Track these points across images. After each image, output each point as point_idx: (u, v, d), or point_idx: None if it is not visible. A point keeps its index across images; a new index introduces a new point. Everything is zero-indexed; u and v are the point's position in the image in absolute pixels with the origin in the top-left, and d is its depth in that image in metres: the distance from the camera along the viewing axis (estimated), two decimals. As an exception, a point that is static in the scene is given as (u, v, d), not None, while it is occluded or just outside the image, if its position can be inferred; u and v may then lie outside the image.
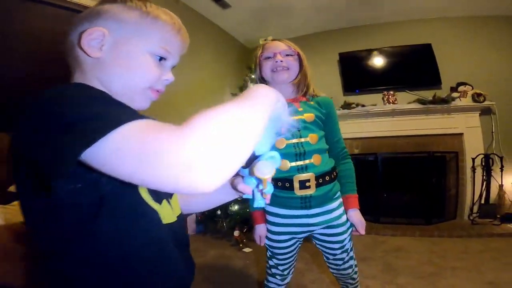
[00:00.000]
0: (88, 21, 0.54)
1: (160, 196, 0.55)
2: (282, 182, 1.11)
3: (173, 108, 3.32)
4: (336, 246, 1.19)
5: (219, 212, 2.89)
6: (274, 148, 0.58)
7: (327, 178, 1.14)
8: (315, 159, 1.12)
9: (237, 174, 0.65)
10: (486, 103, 3.41)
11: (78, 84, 0.51)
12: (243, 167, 0.59)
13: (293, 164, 1.11)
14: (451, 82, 3.62)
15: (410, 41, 3.82)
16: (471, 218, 3.32)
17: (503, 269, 2.03)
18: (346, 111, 3.75)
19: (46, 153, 0.38)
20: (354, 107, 3.75)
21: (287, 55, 1.19)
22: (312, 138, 1.14)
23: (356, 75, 3.99)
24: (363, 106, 3.75)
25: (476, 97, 3.43)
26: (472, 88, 3.50)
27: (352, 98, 3.89)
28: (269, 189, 0.60)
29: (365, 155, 3.74)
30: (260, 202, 0.61)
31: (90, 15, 0.54)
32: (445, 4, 3.57)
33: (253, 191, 0.63)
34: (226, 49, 4.21)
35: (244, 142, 0.38)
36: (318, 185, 1.12)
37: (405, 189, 3.63)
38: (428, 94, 3.59)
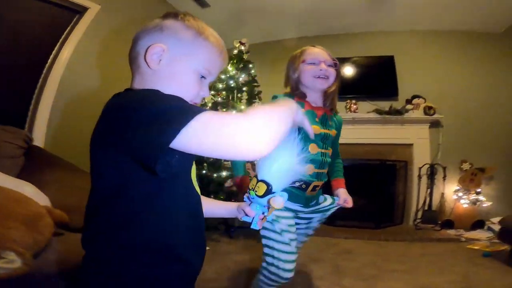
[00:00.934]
0: (152, 36, 0.63)
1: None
2: (301, 183, 1.22)
3: None
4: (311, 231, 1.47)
5: None
6: (307, 152, 0.68)
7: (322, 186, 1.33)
8: (326, 170, 1.31)
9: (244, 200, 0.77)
10: (436, 116, 3.62)
11: (152, 89, 0.58)
12: (259, 196, 0.69)
13: (316, 170, 1.24)
14: (407, 95, 3.79)
15: (375, 52, 3.95)
16: (415, 223, 3.55)
17: (437, 273, 2.17)
18: None
19: (145, 138, 0.47)
20: None
21: (329, 65, 1.27)
22: (330, 152, 1.30)
23: None
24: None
25: (427, 110, 3.62)
26: (425, 101, 3.69)
27: None
28: (270, 217, 0.75)
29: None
30: (256, 225, 0.74)
31: (154, 30, 0.63)
32: (411, 17, 3.71)
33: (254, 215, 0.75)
34: None
35: (282, 130, 0.52)
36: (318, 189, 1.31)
37: (360, 194, 3.80)
38: (386, 105, 3.76)
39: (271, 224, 1.27)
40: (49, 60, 2.47)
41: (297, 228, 1.35)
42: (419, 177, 3.65)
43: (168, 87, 0.59)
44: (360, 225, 3.47)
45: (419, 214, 3.62)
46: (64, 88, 2.49)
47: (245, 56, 3.18)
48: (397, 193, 3.80)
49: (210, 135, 0.47)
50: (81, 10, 2.63)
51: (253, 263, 2.37)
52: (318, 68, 1.24)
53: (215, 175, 2.79)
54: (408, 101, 3.77)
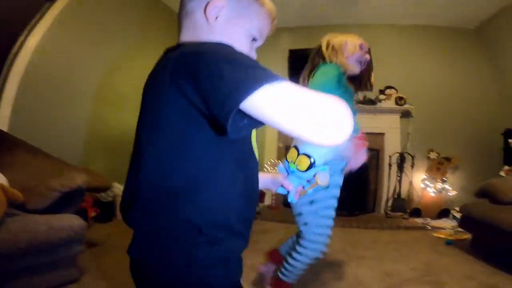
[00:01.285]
0: None
1: None
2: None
3: (118, 86, 3.20)
4: None
5: None
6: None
7: None
8: None
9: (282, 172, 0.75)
10: (406, 106, 3.72)
11: (227, 44, 0.54)
12: (302, 171, 0.68)
13: None
14: (381, 85, 3.87)
15: None
16: (386, 211, 3.65)
17: (402, 260, 2.24)
18: None
19: (222, 90, 0.43)
20: None
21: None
22: None
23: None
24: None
25: (398, 101, 3.71)
26: (397, 92, 3.79)
27: None
28: (310, 191, 0.72)
29: (299, 150, 3.91)
30: (293, 198, 0.72)
31: None
32: (388, 11, 3.76)
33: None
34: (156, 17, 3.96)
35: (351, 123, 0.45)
36: None
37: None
38: (360, 95, 3.76)
39: (326, 200, 1.38)
40: (16, 46, 2.42)
41: None
42: (390, 165, 3.74)
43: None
44: (336, 213, 3.52)
45: (390, 203, 3.72)
46: (31, 75, 2.43)
47: None
48: (369, 181, 3.89)
49: (291, 106, 0.43)
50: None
51: None
52: (364, 55, 1.45)
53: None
54: (381, 92, 3.85)
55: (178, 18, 0.67)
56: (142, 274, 0.60)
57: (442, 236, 2.84)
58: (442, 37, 3.95)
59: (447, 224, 3.15)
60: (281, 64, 4.14)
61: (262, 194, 3.22)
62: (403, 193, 3.73)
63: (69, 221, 1.56)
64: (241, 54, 0.50)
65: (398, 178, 3.72)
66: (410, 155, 3.71)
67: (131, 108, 3.39)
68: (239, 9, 0.63)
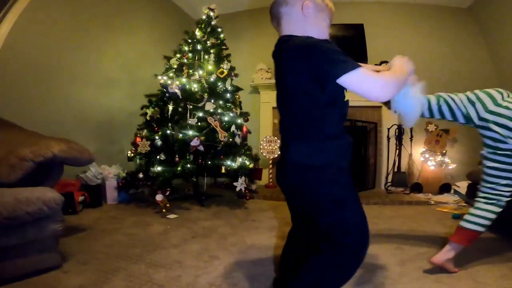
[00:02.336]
0: None
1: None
2: None
3: (104, 69, 3.06)
4: None
5: (141, 175, 2.59)
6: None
7: None
8: None
9: None
10: (403, 80, 3.60)
11: (321, 40, 0.93)
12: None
13: None
14: (376, 60, 3.71)
15: (345, 20, 3.88)
16: (386, 187, 3.56)
17: (409, 234, 2.15)
18: None
19: (330, 69, 0.83)
20: None
21: None
22: None
23: None
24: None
25: (395, 74, 3.59)
26: (392, 66, 3.66)
27: None
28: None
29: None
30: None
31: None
32: None
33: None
34: (165, 15, 4.01)
35: (400, 85, 0.91)
36: None
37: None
38: None
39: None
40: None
41: None
42: (388, 138, 3.64)
43: (312, 28, 0.97)
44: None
45: (390, 178, 3.63)
46: (8, 57, 2.24)
47: (213, 22, 3.10)
48: (368, 156, 3.78)
49: (364, 83, 0.81)
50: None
51: (224, 227, 2.27)
52: None
53: (180, 134, 2.55)
54: (377, 66, 3.70)
55: (275, 16, 1.04)
56: (296, 191, 0.98)
57: (447, 210, 2.77)
58: (436, 16, 3.93)
59: (450, 199, 3.08)
60: (275, 41, 3.94)
61: (259, 172, 3.05)
62: (403, 167, 3.65)
63: (40, 193, 1.31)
64: (332, 45, 0.87)
65: (397, 151, 3.61)
66: (409, 128, 3.60)
67: (119, 91, 3.25)
68: (319, 7, 0.99)
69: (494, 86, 3.53)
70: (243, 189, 2.66)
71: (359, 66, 0.80)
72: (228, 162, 2.62)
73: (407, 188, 3.46)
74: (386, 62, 3.60)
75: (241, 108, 3.10)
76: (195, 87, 2.66)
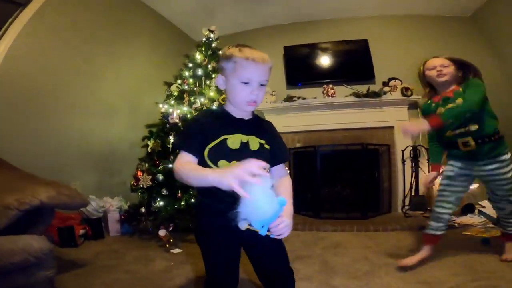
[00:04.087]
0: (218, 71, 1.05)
1: (215, 159, 0.94)
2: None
3: (105, 96, 3.00)
4: None
5: (143, 209, 2.47)
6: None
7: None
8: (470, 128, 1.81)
9: None
10: (413, 97, 3.45)
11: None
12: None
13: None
14: (384, 77, 3.65)
15: (349, 36, 3.83)
16: (404, 211, 3.30)
17: (436, 265, 1.91)
18: (288, 104, 3.65)
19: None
20: (295, 100, 3.64)
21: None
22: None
23: (299, 69, 3.91)
24: (304, 99, 3.64)
25: (405, 91, 3.46)
26: (401, 83, 3.53)
27: (294, 92, 3.80)
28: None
29: (305, 148, 3.61)
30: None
31: (219, 68, 1.05)
32: (381, 2, 3.67)
33: None
34: (165, 37, 3.92)
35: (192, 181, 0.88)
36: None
37: (343, 183, 3.56)
38: (363, 89, 3.58)
39: None
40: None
41: None
42: (403, 160, 3.42)
43: (231, 97, 1.01)
44: (347, 216, 3.20)
45: (407, 201, 3.38)
46: (2, 83, 2.19)
47: (214, 44, 3.01)
48: (382, 179, 3.56)
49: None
50: (23, 2, 2.31)
51: None
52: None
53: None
54: (385, 83, 3.63)
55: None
56: None
57: (474, 234, 2.50)
58: (440, 26, 3.85)
59: (475, 220, 2.81)
60: (277, 61, 3.89)
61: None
62: (421, 190, 3.39)
63: (25, 243, 1.26)
64: (193, 121, 1.08)
65: (414, 173, 3.37)
66: (424, 148, 3.37)
67: (120, 120, 3.07)
68: (228, 73, 0.96)
69: (502, 92, 3.44)
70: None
71: (184, 146, 0.95)
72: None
73: (426, 211, 3.19)
74: (394, 78, 3.54)
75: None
76: (197, 116, 2.56)
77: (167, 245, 2.30)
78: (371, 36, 3.77)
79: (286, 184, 1.00)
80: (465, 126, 1.73)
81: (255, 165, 0.71)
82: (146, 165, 2.55)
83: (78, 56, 2.69)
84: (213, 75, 2.85)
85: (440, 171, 2.02)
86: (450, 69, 1.78)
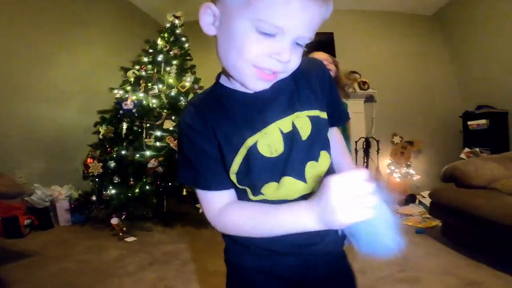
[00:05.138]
0: None
1: (256, 187, 0.53)
2: None
3: (56, 81, 2.76)
4: None
5: (94, 197, 2.37)
6: None
7: None
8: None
9: None
10: (370, 91, 3.58)
11: None
12: None
13: None
14: (345, 70, 3.69)
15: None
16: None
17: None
18: None
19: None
20: None
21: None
22: None
23: None
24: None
25: (362, 85, 3.56)
26: (360, 77, 3.63)
27: None
28: None
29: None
30: None
31: None
32: None
33: None
34: (129, 22, 3.68)
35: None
36: None
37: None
38: None
39: None
40: None
41: None
42: (356, 151, 3.59)
43: None
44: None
45: (358, 189, 3.56)
46: None
47: (178, 30, 2.89)
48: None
49: None
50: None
51: (186, 252, 2.08)
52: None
53: (137, 155, 2.33)
54: (345, 76, 3.66)
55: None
56: None
57: (411, 224, 2.71)
58: (403, 23, 3.94)
59: (415, 210, 3.04)
60: None
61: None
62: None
63: None
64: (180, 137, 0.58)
65: (365, 163, 3.56)
66: (375, 140, 3.56)
67: (72, 106, 2.86)
68: (230, 5, 0.47)
69: (457, 91, 3.69)
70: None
71: (198, 184, 0.54)
72: (192, 183, 2.43)
73: (374, 200, 3.40)
74: (354, 72, 3.63)
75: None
76: (153, 102, 2.47)
77: (121, 234, 2.25)
78: (337, 29, 3.79)
79: (343, 146, 0.66)
80: None
81: (362, 178, 0.39)
82: (98, 152, 2.44)
83: (23, 40, 2.47)
84: (174, 62, 2.76)
85: None
86: (333, 68, 1.76)
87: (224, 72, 0.55)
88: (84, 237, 2.28)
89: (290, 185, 0.52)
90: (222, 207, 0.52)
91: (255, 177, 0.51)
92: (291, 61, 0.47)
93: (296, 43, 0.47)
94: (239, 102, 0.52)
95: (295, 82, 0.54)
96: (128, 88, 2.54)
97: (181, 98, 2.63)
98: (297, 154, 0.51)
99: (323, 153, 0.54)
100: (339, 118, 0.63)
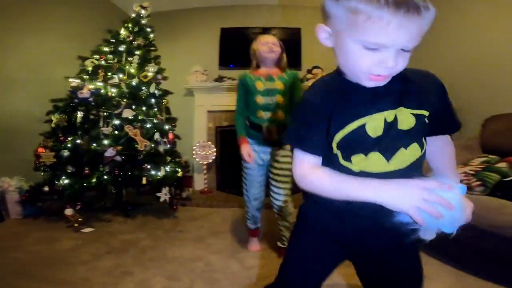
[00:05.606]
0: None
1: (348, 154, 0.66)
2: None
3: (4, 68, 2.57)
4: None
5: (46, 188, 2.26)
6: None
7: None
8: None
9: None
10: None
11: None
12: None
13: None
14: (309, 65, 3.79)
15: (285, 24, 3.85)
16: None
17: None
18: (218, 83, 3.61)
19: None
20: (225, 81, 3.64)
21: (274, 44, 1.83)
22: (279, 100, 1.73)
23: (233, 51, 3.84)
24: (234, 80, 3.62)
25: (323, 80, 3.66)
26: (322, 71, 3.72)
27: (226, 73, 3.75)
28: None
29: (230, 127, 3.65)
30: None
31: (323, 14, 0.69)
32: None
33: None
34: (89, 7, 3.45)
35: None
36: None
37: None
38: None
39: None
40: None
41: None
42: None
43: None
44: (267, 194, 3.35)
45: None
46: None
47: (144, 21, 2.84)
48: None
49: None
50: None
51: (146, 240, 2.07)
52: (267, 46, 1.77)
53: (94, 144, 2.25)
54: (309, 71, 3.78)
55: None
56: None
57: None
58: None
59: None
60: (213, 41, 3.78)
61: (189, 180, 2.89)
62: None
63: None
64: (305, 103, 0.70)
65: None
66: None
67: (23, 94, 2.66)
68: (340, 25, 0.61)
69: None
70: (167, 200, 2.46)
71: (302, 144, 0.68)
72: (152, 172, 2.40)
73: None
74: (317, 67, 3.72)
75: (169, 114, 2.87)
76: (112, 91, 2.39)
77: (76, 225, 2.18)
78: (305, 25, 3.85)
79: (450, 154, 0.74)
80: (274, 112, 1.71)
81: (437, 187, 0.55)
82: (51, 141, 2.33)
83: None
84: (137, 52, 2.69)
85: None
86: (278, 50, 1.80)
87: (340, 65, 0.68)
88: (37, 229, 2.19)
89: (375, 160, 0.64)
90: (311, 169, 0.66)
91: (351, 148, 0.65)
92: (397, 65, 0.58)
93: (401, 50, 0.57)
94: (359, 92, 0.64)
95: (407, 85, 0.65)
96: (86, 77, 2.43)
97: (143, 87, 2.57)
98: (390, 139, 0.63)
99: (414, 145, 0.65)
100: (449, 125, 0.71)
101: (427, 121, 0.65)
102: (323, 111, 0.65)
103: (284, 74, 1.77)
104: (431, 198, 0.54)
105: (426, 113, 0.65)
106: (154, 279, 1.55)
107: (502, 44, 2.39)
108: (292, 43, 3.80)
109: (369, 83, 0.62)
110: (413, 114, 0.64)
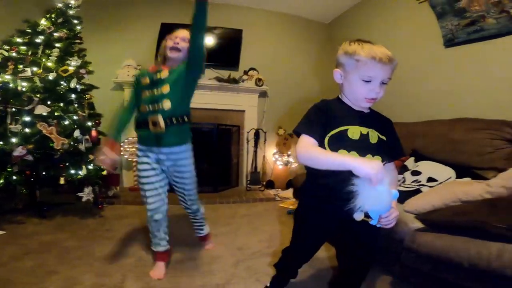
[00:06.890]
0: None
1: (335, 147, 0.95)
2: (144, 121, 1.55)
3: None
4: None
5: None
6: None
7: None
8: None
9: None
10: (264, 87, 3.81)
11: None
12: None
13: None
14: (246, 66, 3.87)
15: (227, 24, 3.81)
16: (246, 185, 3.72)
17: (252, 233, 2.23)
18: None
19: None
20: None
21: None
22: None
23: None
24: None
25: (258, 82, 3.77)
26: (258, 73, 3.83)
27: None
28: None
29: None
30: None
31: (337, 63, 1.06)
32: None
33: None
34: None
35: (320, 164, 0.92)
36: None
37: (198, 159, 3.68)
38: (226, 74, 3.73)
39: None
40: None
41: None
42: (247, 140, 3.81)
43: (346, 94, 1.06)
44: (200, 189, 3.34)
45: (249, 176, 3.81)
46: None
47: (71, 12, 2.60)
48: (232, 156, 3.88)
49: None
50: None
51: (69, 241, 1.94)
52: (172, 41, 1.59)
53: (0, 143, 2.01)
54: (245, 72, 3.86)
55: None
56: None
57: (285, 206, 3.04)
58: (303, 28, 4.20)
59: (291, 193, 3.40)
60: (153, 36, 3.55)
61: (115, 178, 2.75)
62: (259, 167, 3.88)
63: None
64: (312, 109, 1.03)
65: (254, 152, 3.82)
66: (263, 131, 3.86)
67: None
68: (348, 68, 0.98)
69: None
70: (91, 199, 2.32)
71: (307, 131, 0.95)
72: (71, 171, 2.23)
73: (262, 186, 3.71)
74: (253, 69, 3.78)
75: (93, 109, 2.67)
76: (23, 86, 2.15)
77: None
78: (246, 26, 3.87)
79: (394, 176, 1.06)
80: (159, 101, 1.47)
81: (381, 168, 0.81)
82: None
83: None
84: (58, 44, 2.45)
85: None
86: (185, 46, 1.56)
87: (341, 93, 1.05)
88: None
89: (352, 154, 0.94)
90: (311, 146, 0.93)
91: (337, 144, 0.93)
92: (380, 93, 0.95)
93: (382, 83, 0.94)
94: (349, 112, 1.01)
95: (377, 119, 1.04)
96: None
97: (62, 82, 2.35)
98: (364, 146, 0.94)
99: (377, 157, 0.95)
100: (397, 153, 1.04)
101: (385, 143, 0.99)
102: (324, 114, 0.98)
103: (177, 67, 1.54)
104: (378, 177, 0.79)
105: (385, 138, 0.99)
106: (83, 276, 1.47)
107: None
108: (232, 43, 3.81)
109: (365, 104, 0.98)
110: (379, 136, 0.98)
